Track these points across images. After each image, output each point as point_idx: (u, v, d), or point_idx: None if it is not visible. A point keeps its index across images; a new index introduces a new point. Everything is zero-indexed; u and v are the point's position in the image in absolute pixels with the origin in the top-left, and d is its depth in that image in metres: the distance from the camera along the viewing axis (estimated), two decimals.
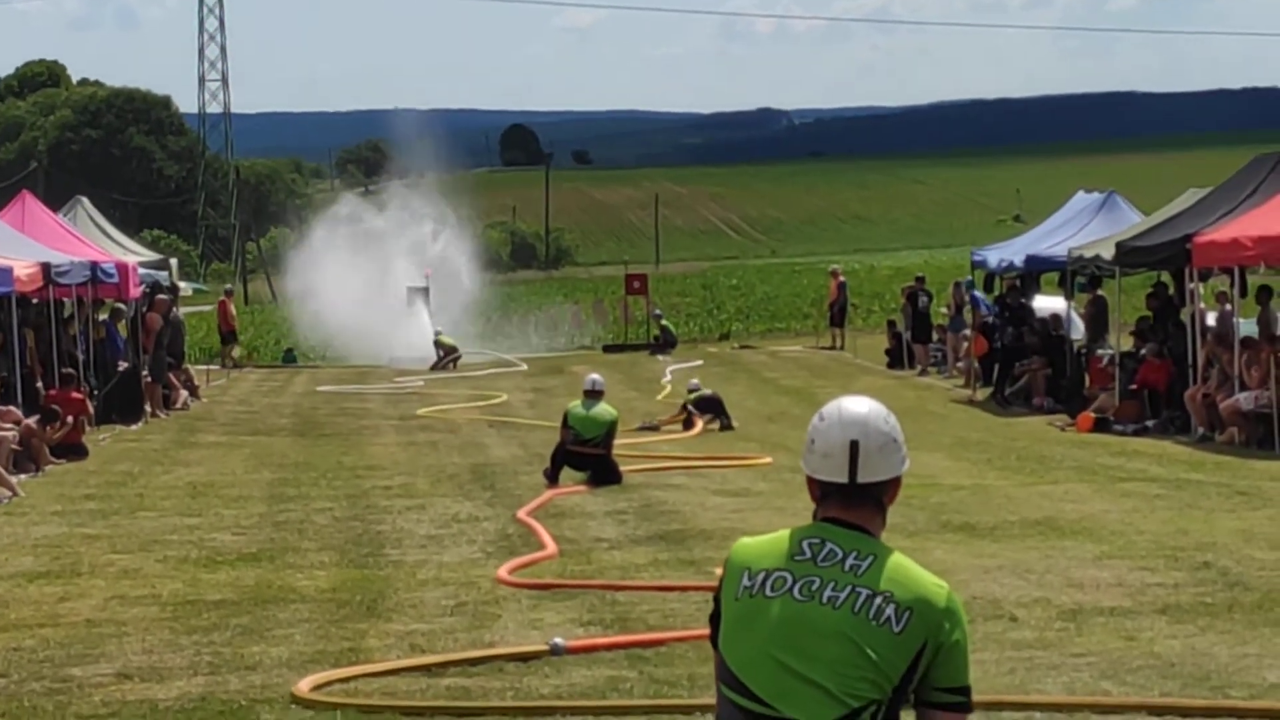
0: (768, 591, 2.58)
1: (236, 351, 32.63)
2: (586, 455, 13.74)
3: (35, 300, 20.44)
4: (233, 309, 32.81)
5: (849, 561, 2.57)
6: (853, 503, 2.63)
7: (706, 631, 2.85)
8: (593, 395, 14.23)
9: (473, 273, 40.74)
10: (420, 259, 37.43)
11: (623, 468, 14.05)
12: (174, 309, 25.65)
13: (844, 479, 2.62)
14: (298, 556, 10.67)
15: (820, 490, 2.66)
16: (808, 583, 2.56)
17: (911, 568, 2.61)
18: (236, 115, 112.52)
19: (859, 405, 2.72)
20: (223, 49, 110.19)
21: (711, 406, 19.23)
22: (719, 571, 2.78)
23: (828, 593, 2.54)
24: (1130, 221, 21.82)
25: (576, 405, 14.24)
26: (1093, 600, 8.28)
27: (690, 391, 19.77)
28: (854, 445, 2.62)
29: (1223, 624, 7.60)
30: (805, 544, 2.61)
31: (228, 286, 33.83)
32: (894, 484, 2.71)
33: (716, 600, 2.71)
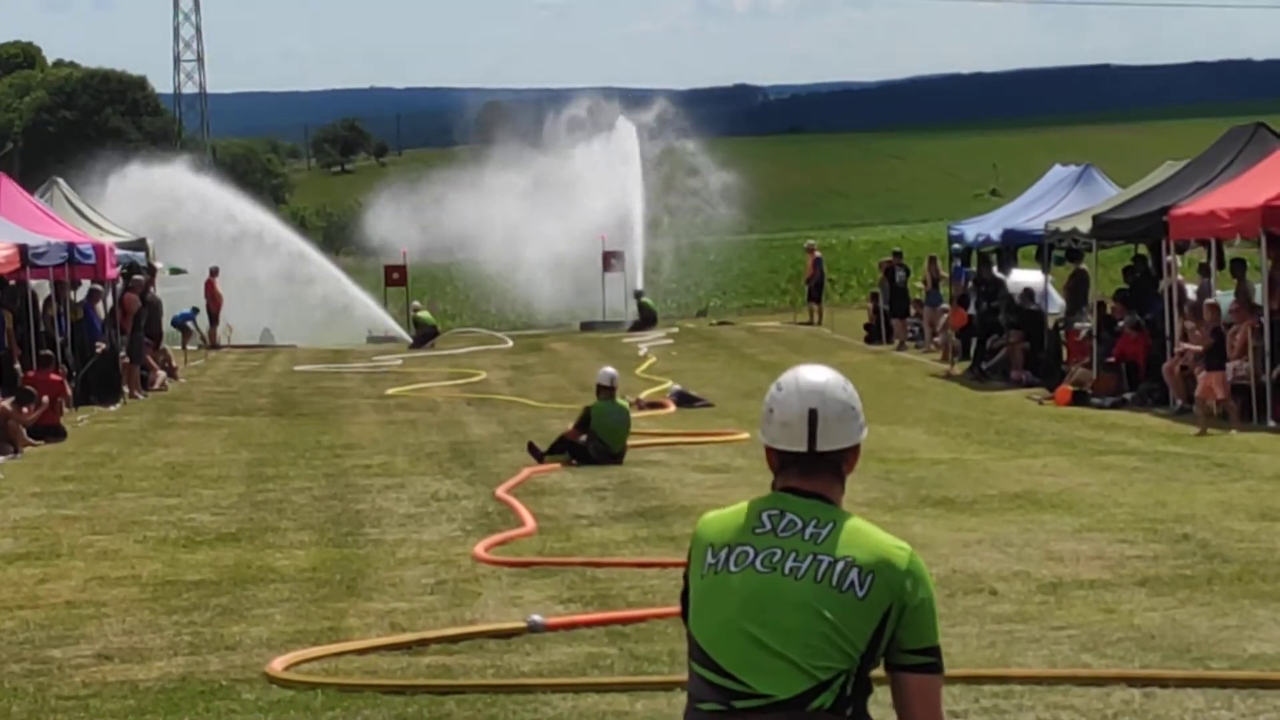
0: (731, 567, 2.56)
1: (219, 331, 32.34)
2: (604, 460, 13.36)
3: (12, 282, 20.23)
4: (219, 287, 32.39)
5: (809, 530, 2.54)
6: (812, 471, 2.60)
7: None
8: (610, 391, 13.87)
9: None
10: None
11: None
12: (151, 289, 25.43)
13: (803, 448, 2.59)
14: (277, 536, 10.59)
15: (779, 460, 2.64)
16: (769, 554, 2.53)
17: (872, 531, 2.59)
18: (212, 95, 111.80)
19: (817, 374, 2.68)
20: (198, 29, 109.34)
21: (688, 401, 19.19)
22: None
23: (790, 563, 2.51)
24: (1106, 195, 21.86)
25: (600, 407, 13.63)
26: (1072, 573, 8.29)
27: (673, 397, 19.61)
28: (813, 414, 2.59)
29: (1202, 596, 7.62)
30: (765, 516, 2.58)
31: (213, 265, 33.08)
32: (853, 452, 2.67)
33: (685, 578, 2.68)
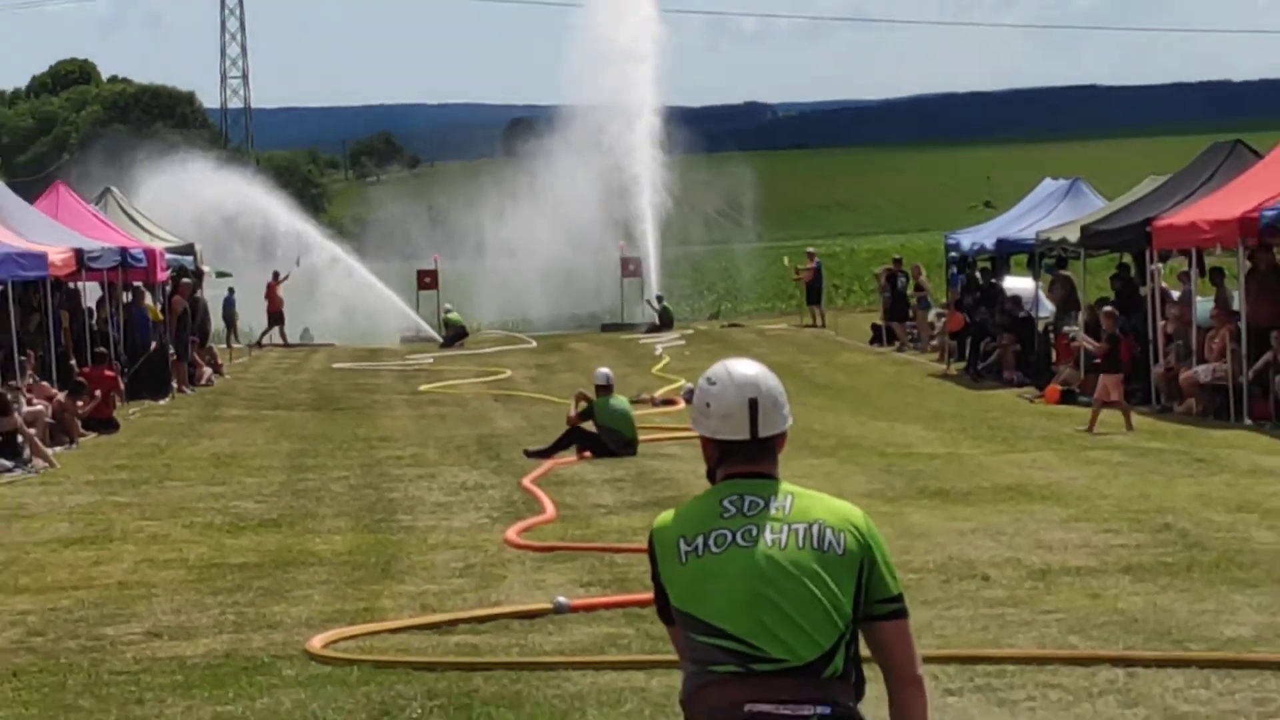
0: (713, 549, 2.51)
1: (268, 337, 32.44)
2: (623, 451, 13.48)
3: (70, 284, 20.37)
4: (280, 291, 32.45)
5: (773, 506, 2.53)
6: (755, 457, 2.57)
7: None
8: (608, 389, 13.99)
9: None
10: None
11: None
12: (198, 291, 25.52)
13: (746, 436, 2.56)
14: (316, 522, 10.63)
15: (720, 450, 2.59)
16: (746, 531, 2.50)
17: (824, 496, 2.60)
18: (256, 110, 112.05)
19: (747, 367, 2.64)
20: (243, 48, 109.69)
21: None
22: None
23: (769, 535, 2.49)
24: (1094, 206, 21.77)
25: (602, 403, 13.79)
26: (1060, 561, 8.26)
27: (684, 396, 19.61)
28: (753, 403, 2.56)
29: (1182, 582, 7.58)
30: (726, 502, 2.54)
31: (275, 269, 33.19)
32: (783, 436, 2.65)
33: (656, 580, 2.61)
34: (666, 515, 2.65)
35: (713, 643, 2.50)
